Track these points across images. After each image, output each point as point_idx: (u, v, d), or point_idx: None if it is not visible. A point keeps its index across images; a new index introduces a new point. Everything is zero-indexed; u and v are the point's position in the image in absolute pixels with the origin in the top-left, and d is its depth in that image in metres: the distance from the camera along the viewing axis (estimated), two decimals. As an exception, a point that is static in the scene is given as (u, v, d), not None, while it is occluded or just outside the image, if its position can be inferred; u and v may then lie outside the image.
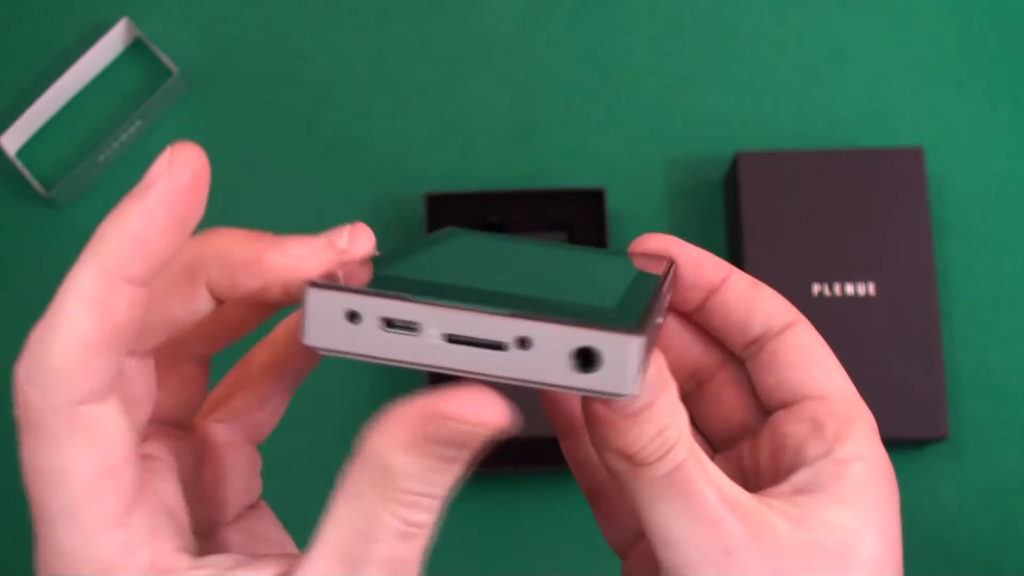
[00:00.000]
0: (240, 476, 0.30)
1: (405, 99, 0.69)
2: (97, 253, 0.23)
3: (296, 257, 0.25)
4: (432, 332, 0.23)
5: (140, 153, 0.68)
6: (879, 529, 0.28)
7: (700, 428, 0.33)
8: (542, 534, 0.63)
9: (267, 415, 0.30)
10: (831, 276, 0.61)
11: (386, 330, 0.23)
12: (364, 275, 0.24)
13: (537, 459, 0.61)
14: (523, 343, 0.22)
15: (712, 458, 0.32)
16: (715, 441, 0.33)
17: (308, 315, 0.23)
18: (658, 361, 0.25)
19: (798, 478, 0.29)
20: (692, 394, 0.33)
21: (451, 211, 0.64)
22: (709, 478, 0.26)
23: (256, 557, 0.25)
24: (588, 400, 0.25)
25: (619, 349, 0.22)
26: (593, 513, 0.32)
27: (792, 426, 0.30)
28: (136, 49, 0.70)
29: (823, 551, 0.27)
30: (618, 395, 0.22)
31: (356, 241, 0.26)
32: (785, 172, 0.63)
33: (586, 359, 0.22)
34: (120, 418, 0.24)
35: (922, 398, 0.60)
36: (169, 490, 0.26)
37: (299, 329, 0.23)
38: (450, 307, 0.22)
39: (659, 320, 0.26)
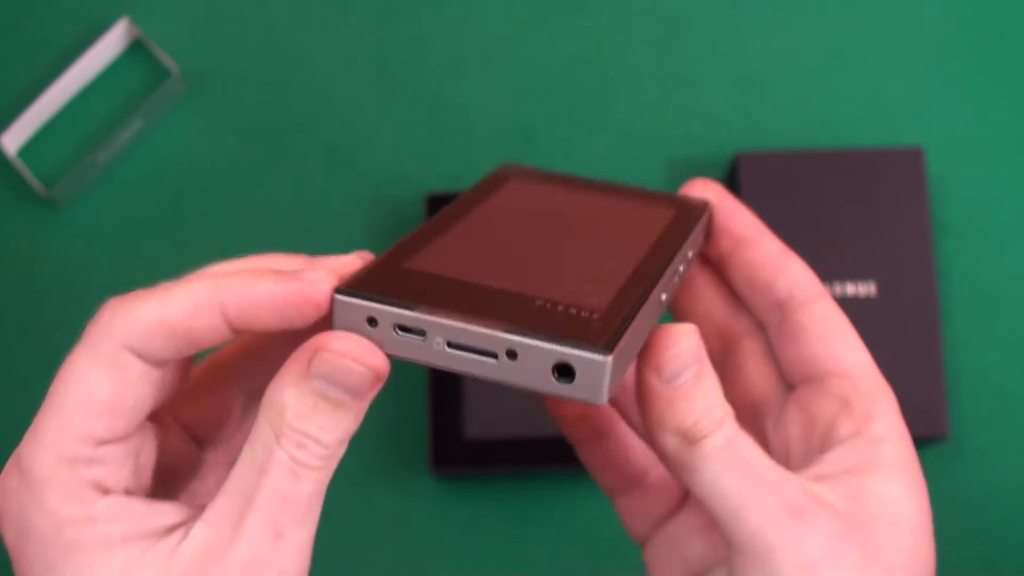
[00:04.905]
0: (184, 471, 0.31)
1: (405, 99, 0.69)
2: (226, 280, 0.26)
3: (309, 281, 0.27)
4: (437, 339, 0.26)
5: (140, 153, 0.68)
6: (918, 500, 0.30)
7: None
8: (542, 534, 0.63)
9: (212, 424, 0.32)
10: (831, 276, 0.61)
11: (399, 334, 0.26)
12: (386, 274, 0.27)
13: (538, 459, 0.61)
14: (511, 354, 0.25)
15: None
16: (737, 412, 0.33)
17: (336, 320, 0.26)
18: (698, 347, 0.27)
19: (833, 457, 0.30)
20: (718, 360, 0.34)
21: (451, 211, 0.64)
22: (760, 450, 0.28)
23: (180, 504, 0.27)
24: (644, 380, 0.28)
25: (592, 367, 0.25)
26: (616, 507, 0.34)
27: (820, 405, 0.31)
28: (136, 49, 0.70)
29: (879, 520, 0.28)
30: (592, 403, 0.25)
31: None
32: (785, 172, 0.63)
33: (564, 371, 0.25)
34: (146, 383, 0.26)
35: (922, 398, 0.60)
36: (145, 465, 0.28)
37: (329, 328, 0.27)
38: (449, 321, 0.25)
39: (678, 271, 0.30)
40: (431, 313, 0.25)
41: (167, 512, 0.27)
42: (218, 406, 0.30)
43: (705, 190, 0.33)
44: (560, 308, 0.26)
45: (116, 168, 0.68)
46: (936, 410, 0.60)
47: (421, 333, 0.26)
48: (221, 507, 0.26)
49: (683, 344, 0.27)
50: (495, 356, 0.25)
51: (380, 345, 0.26)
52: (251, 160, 0.68)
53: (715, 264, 0.34)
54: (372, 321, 0.26)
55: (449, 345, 0.26)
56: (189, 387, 0.30)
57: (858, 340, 0.32)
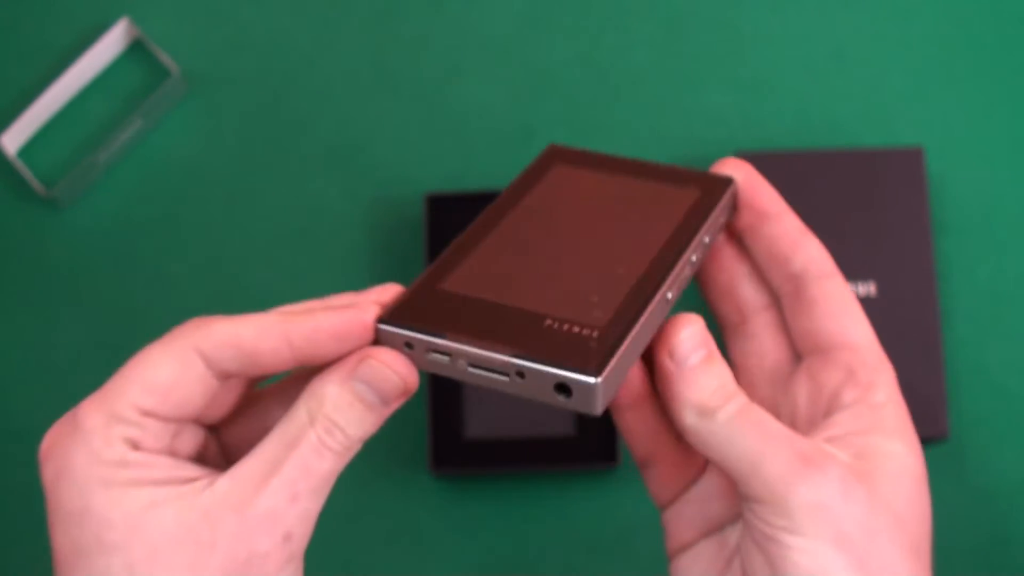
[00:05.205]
0: None
1: (405, 99, 0.69)
2: (292, 313, 0.31)
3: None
4: (461, 361, 0.31)
5: (140, 153, 0.68)
6: (917, 456, 0.33)
7: (737, 366, 0.38)
8: (542, 534, 0.63)
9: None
10: (831, 276, 0.61)
11: (430, 355, 0.31)
12: (422, 300, 0.32)
13: (538, 459, 0.61)
14: (520, 375, 0.30)
15: None
16: (747, 382, 0.38)
17: (381, 343, 0.32)
18: (703, 333, 0.32)
19: (839, 420, 0.34)
20: (736, 328, 0.37)
21: (451, 211, 0.64)
22: (769, 414, 0.32)
23: (204, 466, 0.32)
24: (660, 364, 0.33)
25: (586, 388, 0.30)
26: (644, 475, 0.37)
27: (827, 373, 0.35)
28: (136, 49, 0.70)
29: (884, 471, 0.32)
30: (589, 414, 0.30)
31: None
32: (785, 172, 0.63)
33: (563, 389, 0.30)
34: (201, 386, 0.31)
35: (922, 398, 0.60)
36: (180, 452, 0.32)
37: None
38: (470, 348, 0.31)
39: (690, 262, 0.34)
40: (455, 340, 0.31)
41: (192, 468, 0.31)
42: (248, 436, 0.35)
43: (736, 169, 0.36)
44: (565, 327, 0.31)
45: (116, 168, 0.68)
46: (936, 410, 0.60)
47: (448, 355, 0.31)
48: (247, 468, 0.30)
49: (691, 329, 0.32)
50: (508, 375, 0.31)
51: (415, 363, 0.32)
52: (251, 160, 0.68)
53: (739, 236, 0.37)
54: (409, 345, 0.31)
55: (471, 366, 0.31)
56: (233, 414, 0.35)
57: (864, 317, 0.35)
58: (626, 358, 0.31)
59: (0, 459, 0.64)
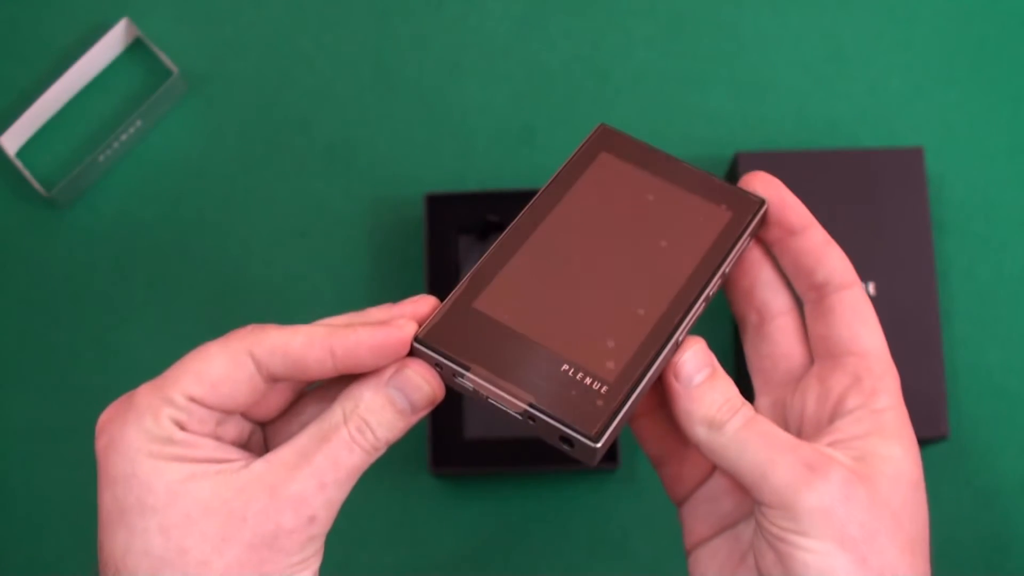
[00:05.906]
0: None
1: (405, 99, 0.69)
2: (336, 327, 0.34)
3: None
4: (481, 393, 0.34)
5: (140, 153, 0.68)
6: (914, 459, 0.35)
7: (752, 365, 0.39)
8: (542, 534, 0.63)
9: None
10: (831, 276, 0.61)
11: (455, 377, 0.35)
12: (456, 320, 0.35)
13: (538, 459, 0.61)
14: (531, 418, 0.34)
15: (755, 406, 0.39)
16: (761, 382, 0.39)
17: (415, 356, 0.35)
18: (705, 353, 0.35)
19: (842, 425, 0.35)
20: (754, 329, 0.39)
21: (451, 211, 0.64)
22: (774, 425, 0.34)
23: (243, 451, 0.35)
24: (668, 385, 0.35)
25: (586, 446, 0.33)
26: (660, 474, 0.40)
27: (835, 379, 0.37)
28: (136, 49, 0.70)
29: (882, 473, 0.34)
30: (586, 465, 0.33)
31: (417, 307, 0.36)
32: (785, 172, 0.62)
33: (567, 441, 0.33)
34: (249, 385, 0.34)
35: (922, 398, 0.60)
36: (223, 439, 0.35)
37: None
38: (489, 385, 0.34)
39: (708, 296, 0.36)
40: (479, 375, 0.34)
41: (232, 451, 0.34)
42: (289, 431, 0.37)
43: (766, 187, 0.38)
44: (579, 376, 0.34)
45: (116, 168, 0.68)
46: (936, 410, 0.60)
47: (471, 384, 0.34)
48: (282, 455, 0.34)
49: (693, 351, 0.35)
50: (520, 416, 0.34)
51: (443, 379, 0.35)
52: (251, 160, 0.68)
53: (766, 245, 0.39)
54: (437, 365, 0.35)
55: (489, 397, 0.34)
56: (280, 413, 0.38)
57: (877, 326, 0.37)
58: (628, 412, 0.34)
59: (0, 458, 0.64)
